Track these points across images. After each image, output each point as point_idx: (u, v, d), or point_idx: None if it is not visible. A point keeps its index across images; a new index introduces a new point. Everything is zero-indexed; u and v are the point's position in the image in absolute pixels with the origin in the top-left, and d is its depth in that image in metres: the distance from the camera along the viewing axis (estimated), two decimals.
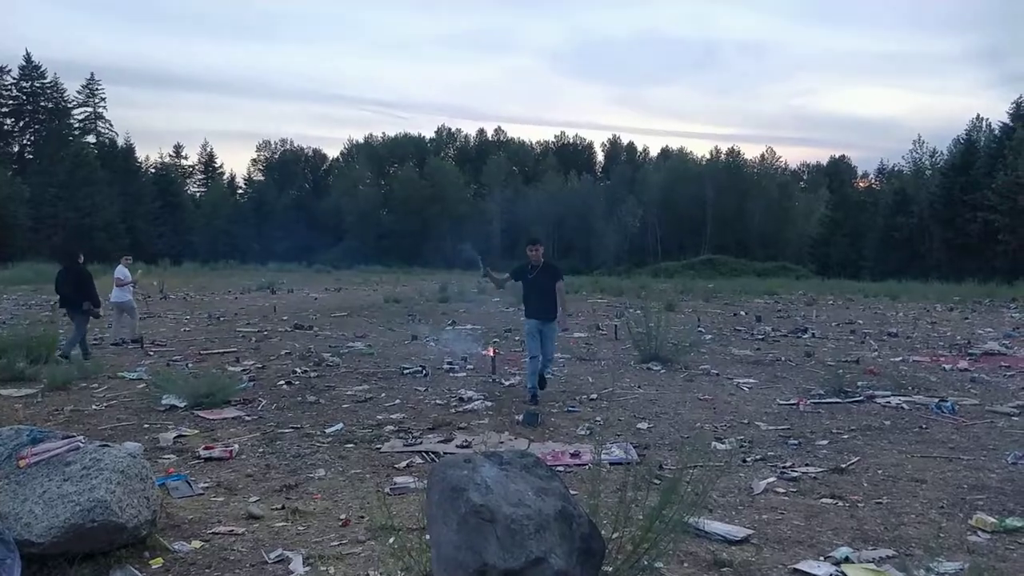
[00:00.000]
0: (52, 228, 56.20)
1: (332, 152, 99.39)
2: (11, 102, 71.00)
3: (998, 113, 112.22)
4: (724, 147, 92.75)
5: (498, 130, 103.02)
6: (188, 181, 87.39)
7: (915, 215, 59.63)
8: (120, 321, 14.61)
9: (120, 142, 74.82)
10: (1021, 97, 59.61)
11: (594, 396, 8.93)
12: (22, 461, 3.95)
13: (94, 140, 73.82)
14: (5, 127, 71.54)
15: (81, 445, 4.07)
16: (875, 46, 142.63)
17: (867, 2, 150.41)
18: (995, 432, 7.16)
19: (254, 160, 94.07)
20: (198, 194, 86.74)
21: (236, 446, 6.35)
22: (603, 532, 3.35)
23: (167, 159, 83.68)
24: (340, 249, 77.21)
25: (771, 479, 5.54)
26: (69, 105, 73.08)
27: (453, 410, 8.13)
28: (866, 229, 63.48)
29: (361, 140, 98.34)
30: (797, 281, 45.57)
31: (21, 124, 72.48)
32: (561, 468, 5.79)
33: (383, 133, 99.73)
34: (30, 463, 3.93)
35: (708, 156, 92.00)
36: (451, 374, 10.59)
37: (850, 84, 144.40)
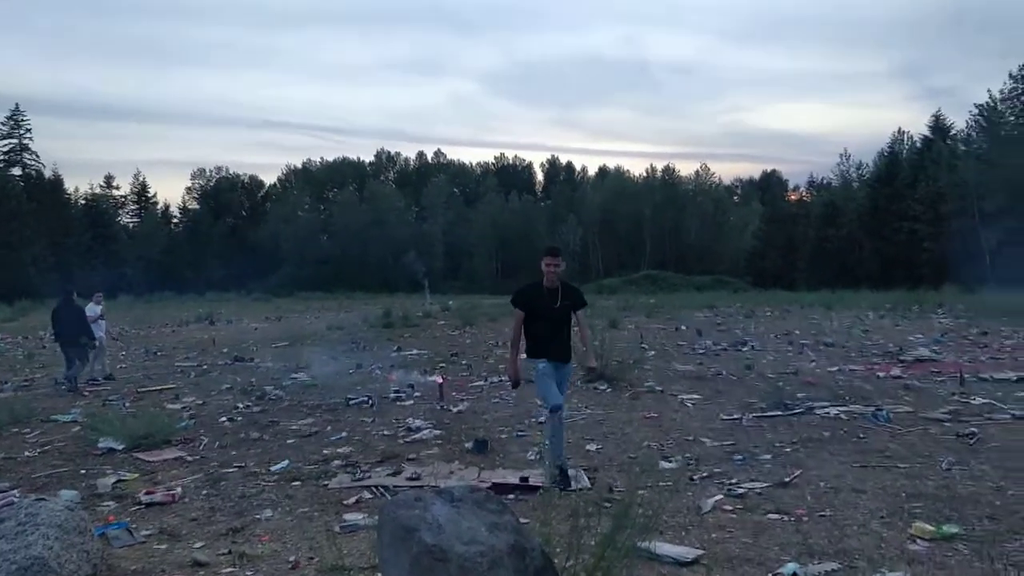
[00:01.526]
0: None
1: (269, 178, 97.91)
2: None
3: (920, 126, 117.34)
4: (660, 165, 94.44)
5: (438, 152, 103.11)
6: (120, 212, 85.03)
7: (845, 226, 61.71)
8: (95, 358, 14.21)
9: (47, 174, 72.53)
10: (940, 110, 62.64)
11: (542, 419, 8.94)
12: None
13: (19, 172, 71.34)
14: None
15: (15, 500, 3.92)
16: (801, 64, 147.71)
17: (792, 22, 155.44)
18: (929, 439, 7.42)
19: (188, 188, 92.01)
20: (131, 225, 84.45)
21: (178, 489, 6.18)
22: (556, 561, 3.37)
23: (98, 190, 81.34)
24: (279, 276, 76.01)
25: (718, 496, 5.63)
26: None
27: (401, 440, 8.06)
28: (799, 241, 65.39)
29: (299, 165, 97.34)
30: (735, 294, 46.59)
31: None
32: (512, 496, 5.80)
33: (321, 158, 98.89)
34: None
35: (645, 174, 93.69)
36: (398, 403, 10.51)
37: (779, 101, 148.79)
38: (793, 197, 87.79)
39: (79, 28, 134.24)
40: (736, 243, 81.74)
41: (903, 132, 69.28)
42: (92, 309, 14.40)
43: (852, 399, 9.64)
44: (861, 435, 7.66)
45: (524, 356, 6.48)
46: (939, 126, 61.24)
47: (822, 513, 5.20)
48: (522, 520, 3.83)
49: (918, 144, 62.90)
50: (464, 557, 2.95)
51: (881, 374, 11.87)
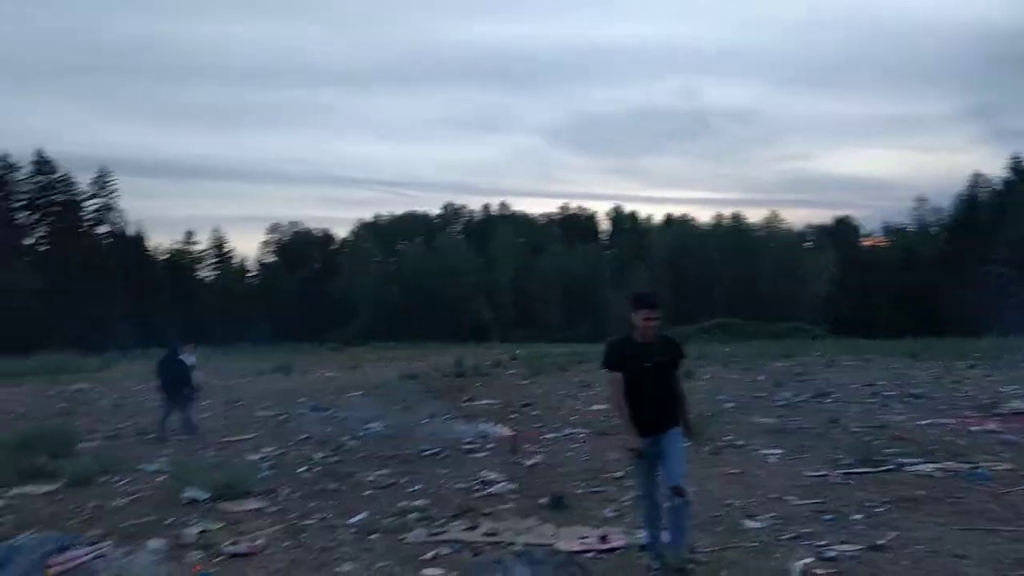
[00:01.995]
0: (68, 319, 56.62)
1: (341, 232, 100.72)
2: (24, 196, 72.56)
3: (992, 168, 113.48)
4: (726, 212, 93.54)
5: (503, 204, 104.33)
6: (199, 266, 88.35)
7: (925, 272, 59.69)
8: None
9: (132, 231, 76.05)
10: (1019, 152, 60.38)
11: (619, 474, 8.79)
12: (50, 570, 3.90)
13: (106, 230, 75.06)
14: (17, 220, 72.90)
15: (106, 553, 4.03)
16: (865, 108, 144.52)
17: (847, 67, 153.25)
18: None
19: (264, 243, 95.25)
20: (209, 278, 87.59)
21: (261, 540, 6.26)
22: None
23: (178, 245, 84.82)
24: (352, 327, 77.52)
25: (808, 559, 5.40)
26: (80, 198, 74.54)
27: (476, 494, 8.01)
28: (876, 287, 63.46)
29: (370, 219, 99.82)
30: (813, 341, 45.35)
31: (34, 218, 73.91)
32: (591, 554, 5.67)
33: (390, 212, 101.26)
34: (57, 572, 3.89)
35: (712, 221, 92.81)
36: (471, 455, 10.48)
37: (844, 145, 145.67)
38: (868, 243, 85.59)
39: (160, 92, 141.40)
40: (811, 289, 79.77)
41: (980, 175, 67.15)
42: (188, 358, 14.93)
43: (945, 455, 9.18)
44: (959, 495, 7.26)
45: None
46: (1018, 167, 59.13)
47: None
48: None
49: (997, 187, 60.78)
50: None
51: (975, 428, 11.29)
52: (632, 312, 5.36)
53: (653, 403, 5.27)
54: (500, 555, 3.51)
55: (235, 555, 5.90)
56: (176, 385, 13.44)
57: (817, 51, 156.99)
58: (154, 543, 6.15)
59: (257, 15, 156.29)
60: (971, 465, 8.36)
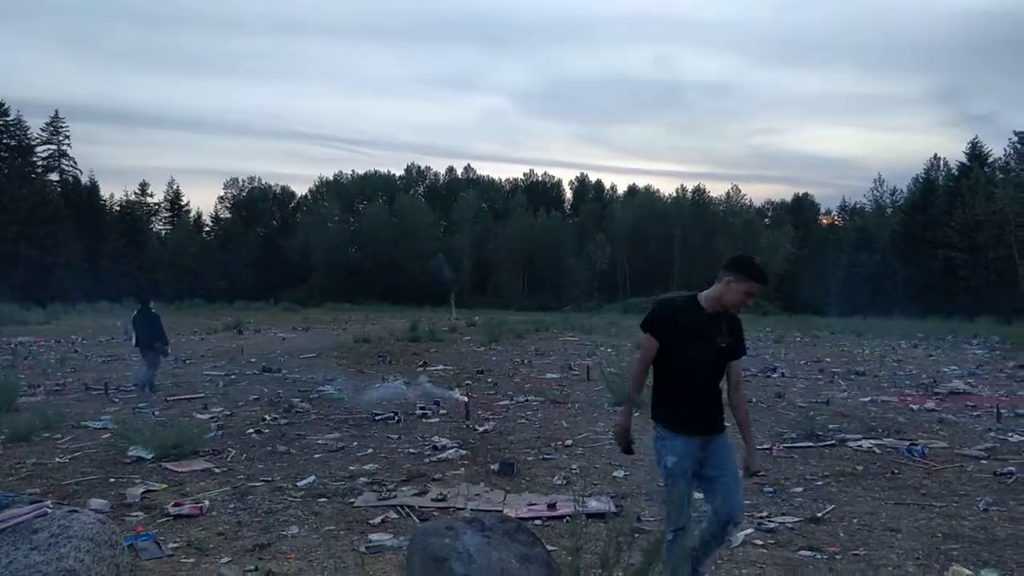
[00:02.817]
0: (13, 267, 55.08)
1: (301, 189, 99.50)
2: None
3: (956, 152, 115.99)
4: (690, 185, 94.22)
5: (467, 168, 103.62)
6: (153, 219, 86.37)
7: (878, 252, 60.95)
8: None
9: (84, 180, 73.98)
10: (977, 137, 61.66)
11: (569, 442, 8.89)
12: None
13: (57, 178, 72.84)
14: None
15: (48, 511, 3.95)
16: (834, 87, 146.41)
17: (824, 44, 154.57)
18: (965, 477, 7.25)
19: (221, 197, 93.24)
20: (164, 232, 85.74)
21: (206, 502, 6.20)
22: None
23: (132, 197, 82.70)
24: (307, 287, 76.76)
25: (749, 530, 5.53)
26: (32, 143, 72.11)
27: (427, 460, 8.03)
28: (830, 266, 64.65)
29: (330, 177, 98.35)
30: (764, 317, 46.17)
31: None
32: (538, 521, 5.74)
33: (352, 171, 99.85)
34: None
35: (675, 194, 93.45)
36: (424, 419, 10.50)
37: (811, 123, 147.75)
38: (825, 221, 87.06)
39: (116, 36, 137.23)
40: (767, 266, 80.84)
41: (939, 158, 68.57)
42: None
43: (885, 432, 9.45)
44: (895, 470, 7.50)
45: (658, 426, 4.12)
46: (976, 153, 60.39)
47: (855, 552, 5.09)
48: (549, 548, 3.78)
49: (955, 171, 62.05)
50: None
51: (915, 406, 11.65)
52: (730, 278, 3.98)
53: (701, 395, 4.05)
54: (450, 520, 3.52)
55: (179, 516, 5.84)
56: (149, 340, 13.42)
57: (794, 27, 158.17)
58: (96, 502, 6.08)
59: None
60: (909, 442, 8.62)
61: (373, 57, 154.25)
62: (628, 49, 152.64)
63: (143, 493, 6.50)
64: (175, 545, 5.19)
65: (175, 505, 6.04)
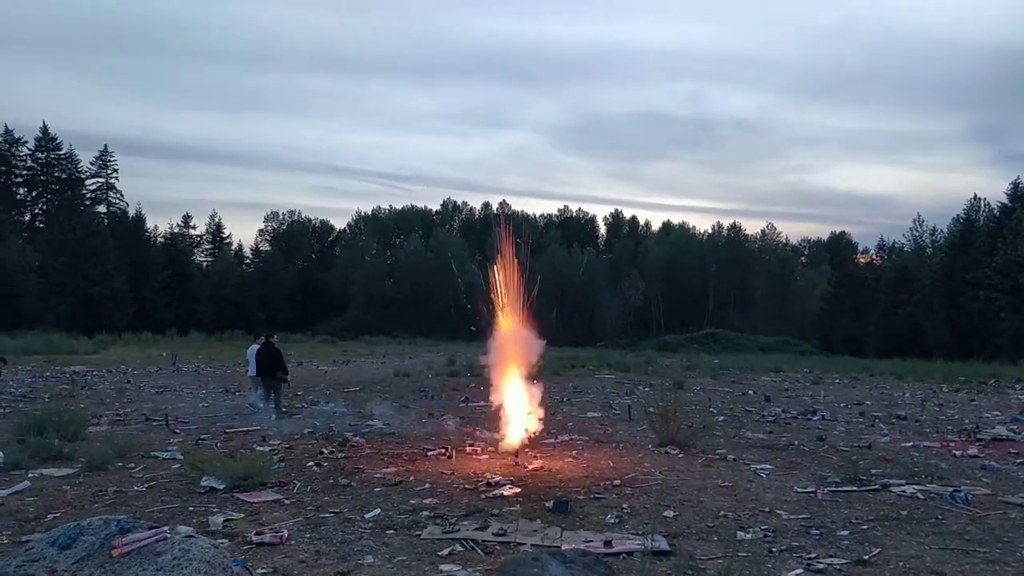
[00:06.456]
0: (60, 297, 56.73)
1: (339, 223, 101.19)
2: (26, 172, 72.78)
3: (996, 191, 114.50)
4: (725, 222, 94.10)
5: (503, 203, 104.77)
6: (196, 251, 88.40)
7: (917, 292, 60.24)
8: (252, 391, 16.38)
9: (131, 212, 76.14)
10: (1019, 178, 60.72)
11: (617, 482, 9.19)
12: (115, 551, 4.27)
13: (105, 210, 75.14)
14: (19, 196, 73.01)
15: (168, 535, 4.40)
16: (870, 124, 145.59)
17: (859, 81, 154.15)
18: (1008, 524, 7.42)
19: (261, 230, 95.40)
20: (205, 264, 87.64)
21: (284, 531, 6.63)
22: None
23: (176, 229, 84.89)
24: (344, 319, 77.79)
25: (798, 571, 5.80)
26: (82, 176, 74.72)
27: (483, 495, 8.38)
28: (868, 305, 64.01)
29: (368, 212, 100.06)
30: (801, 357, 45.90)
31: (34, 194, 74.11)
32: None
33: (390, 205, 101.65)
34: (122, 553, 4.26)
35: (709, 230, 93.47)
36: (474, 457, 10.86)
37: (846, 161, 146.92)
38: (863, 260, 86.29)
39: (162, 72, 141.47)
40: (803, 305, 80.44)
41: (979, 198, 67.86)
42: (252, 350, 16.08)
43: (928, 477, 9.61)
44: (939, 516, 7.69)
45: None
46: (1019, 193, 59.67)
47: None
48: None
49: (996, 211, 61.32)
50: None
51: (957, 452, 11.74)
52: None
53: None
54: (536, 552, 3.90)
55: (261, 544, 6.27)
56: (271, 370, 14.94)
57: (829, 63, 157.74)
58: (183, 529, 6.53)
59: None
60: (952, 488, 8.79)
61: (410, 94, 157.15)
62: (660, 85, 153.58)
63: (224, 522, 6.96)
64: (263, 571, 5.62)
65: (257, 533, 6.47)
